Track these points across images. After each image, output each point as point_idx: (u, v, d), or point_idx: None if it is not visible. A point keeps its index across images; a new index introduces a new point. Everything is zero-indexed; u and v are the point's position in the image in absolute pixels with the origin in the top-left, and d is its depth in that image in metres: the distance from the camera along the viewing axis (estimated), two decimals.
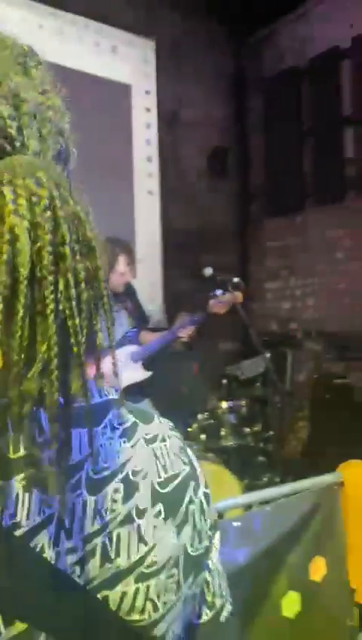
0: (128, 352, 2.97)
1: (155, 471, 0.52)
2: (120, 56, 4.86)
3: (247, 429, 3.57)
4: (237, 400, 3.68)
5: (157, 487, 0.51)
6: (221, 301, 3.08)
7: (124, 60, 4.89)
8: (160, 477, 0.52)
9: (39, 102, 0.43)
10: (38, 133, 0.42)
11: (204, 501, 0.56)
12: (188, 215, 5.42)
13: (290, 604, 1.87)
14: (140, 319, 3.18)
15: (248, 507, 2.19)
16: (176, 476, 0.53)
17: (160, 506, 0.51)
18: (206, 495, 0.57)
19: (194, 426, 3.55)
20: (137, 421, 0.54)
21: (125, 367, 2.95)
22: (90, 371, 0.46)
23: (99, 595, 0.47)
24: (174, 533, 0.51)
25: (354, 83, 4.64)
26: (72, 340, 0.40)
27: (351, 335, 4.85)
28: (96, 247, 0.42)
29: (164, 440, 0.55)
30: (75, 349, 0.40)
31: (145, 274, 4.95)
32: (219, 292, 3.10)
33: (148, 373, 3.01)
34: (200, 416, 3.54)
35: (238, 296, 3.08)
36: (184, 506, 0.53)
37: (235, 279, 3.12)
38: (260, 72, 5.72)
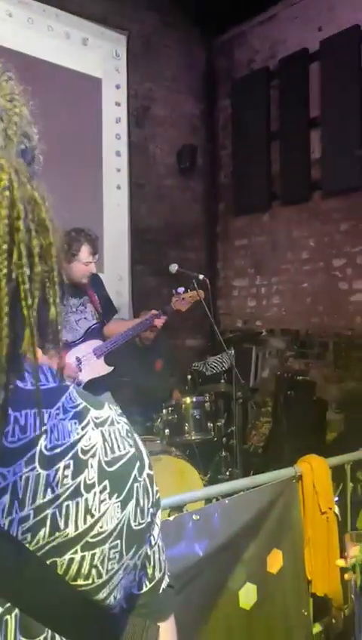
0: (91, 347, 2.97)
1: (103, 451, 0.56)
2: (90, 49, 4.82)
3: (211, 424, 3.61)
4: (202, 395, 3.71)
5: (105, 466, 0.55)
6: (183, 298, 3.11)
7: (95, 53, 4.85)
8: (107, 456, 0.56)
9: (7, 107, 0.47)
10: (4, 132, 0.45)
11: (147, 481, 0.61)
12: (156, 211, 5.43)
13: (247, 596, 1.91)
14: (107, 311, 3.17)
15: (209, 500, 2.23)
16: (122, 457, 0.58)
17: (106, 483, 0.55)
18: (149, 476, 0.61)
19: (158, 420, 3.57)
20: (88, 406, 0.58)
21: (88, 361, 2.94)
22: (46, 358, 0.51)
23: (48, 561, 0.51)
24: (119, 507, 0.55)
25: (321, 85, 4.71)
26: (23, 303, 0.42)
27: (313, 333, 4.95)
28: (49, 227, 0.46)
29: (112, 424, 0.59)
30: (25, 311, 0.43)
31: (113, 268, 4.94)
32: (181, 290, 3.13)
33: (110, 368, 3.02)
34: (164, 411, 3.56)
35: (200, 293, 3.11)
36: (129, 484, 0.57)
37: (200, 276, 3.15)
38: (230, 71, 5.76)
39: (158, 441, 3.46)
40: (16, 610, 0.49)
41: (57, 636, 0.52)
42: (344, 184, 4.59)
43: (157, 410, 3.62)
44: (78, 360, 2.91)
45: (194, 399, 3.64)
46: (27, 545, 0.50)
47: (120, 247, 5.05)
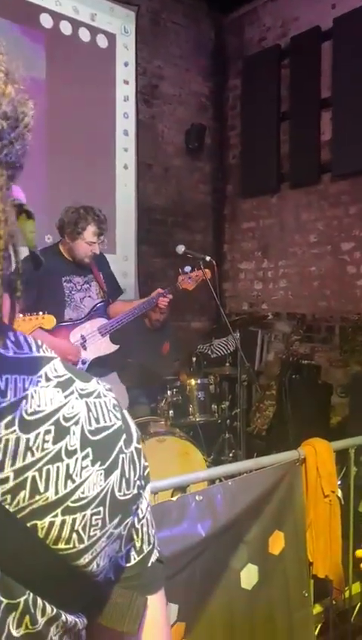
0: (96, 325, 2.96)
1: (87, 420, 0.57)
2: (99, 25, 4.74)
3: (215, 406, 3.62)
4: (206, 378, 3.72)
5: (88, 434, 0.56)
6: (189, 277, 3.10)
7: (103, 30, 4.77)
8: (91, 426, 0.57)
9: None
10: None
11: (135, 454, 0.61)
12: (163, 192, 5.38)
13: (249, 576, 1.92)
14: (113, 290, 3.16)
15: (212, 481, 2.24)
16: (107, 427, 0.58)
17: (89, 450, 0.55)
18: (137, 449, 0.62)
19: (163, 401, 3.58)
20: (73, 377, 0.59)
21: (93, 339, 2.94)
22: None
23: (28, 524, 0.51)
24: (102, 475, 0.56)
25: (333, 65, 4.62)
26: None
27: (320, 317, 4.93)
28: (1, 219, 0.47)
29: (98, 396, 0.60)
30: None
31: (120, 249, 4.92)
32: (187, 268, 3.12)
33: (115, 347, 3.01)
34: (168, 393, 3.57)
35: (206, 272, 3.09)
36: (114, 454, 0.58)
37: (207, 258, 3.13)
38: (241, 49, 5.66)
39: (163, 422, 3.47)
40: None
41: (38, 599, 0.53)
42: (354, 167, 4.52)
43: (162, 392, 3.63)
44: (83, 338, 2.90)
45: (198, 381, 3.65)
46: (7, 506, 0.51)
47: (126, 227, 5.02)
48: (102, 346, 2.96)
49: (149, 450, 3.14)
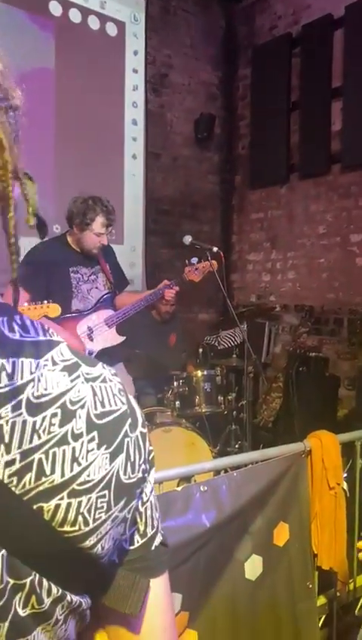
0: (103, 316, 2.96)
1: (92, 404, 0.57)
2: (108, 13, 4.70)
3: (221, 398, 3.61)
4: (213, 369, 3.71)
5: (93, 418, 0.56)
6: (196, 268, 3.08)
7: (113, 18, 4.74)
8: (96, 410, 0.57)
9: None
10: None
11: (140, 438, 0.62)
12: (171, 182, 5.36)
13: (253, 567, 1.93)
14: (119, 281, 3.15)
15: (217, 472, 2.24)
16: (113, 412, 0.58)
17: (94, 434, 0.56)
18: (142, 434, 0.62)
19: (170, 392, 3.58)
20: (79, 362, 0.59)
21: (99, 330, 2.94)
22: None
23: (34, 506, 0.52)
24: (107, 459, 0.56)
25: (345, 54, 4.56)
26: None
27: (328, 310, 4.90)
28: (5, 146, 0.48)
29: (104, 381, 0.60)
30: None
31: (127, 239, 4.90)
32: (194, 260, 3.10)
33: (122, 338, 3.01)
34: (175, 383, 3.57)
35: (214, 264, 3.08)
36: (119, 438, 0.58)
37: (214, 249, 3.11)
38: (251, 38, 5.60)
39: (169, 413, 3.47)
40: (4, 551, 0.51)
41: (44, 580, 0.54)
42: None
43: (168, 383, 3.63)
44: (90, 329, 2.90)
45: (205, 372, 3.64)
46: (13, 488, 0.51)
47: (134, 217, 5.00)
48: (108, 338, 2.96)
49: (155, 440, 3.14)
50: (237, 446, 3.84)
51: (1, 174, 0.48)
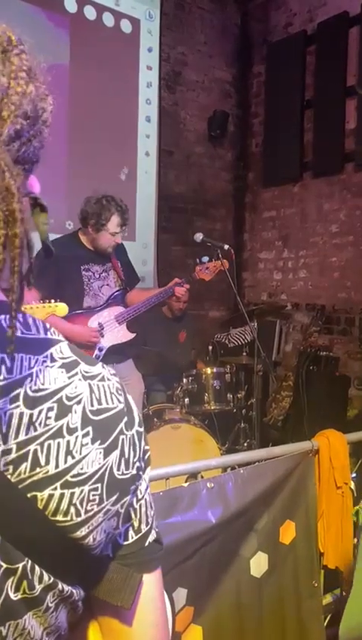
0: (114, 313, 2.98)
1: (89, 401, 0.59)
2: (123, 10, 4.71)
3: (230, 395, 3.62)
4: (223, 367, 3.71)
5: (89, 414, 0.58)
6: (207, 267, 3.09)
7: (128, 15, 4.74)
8: (93, 406, 0.59)
9: (9, 86, 0.49)
10: None
11: (136, 437, 0.63)
12: (184, 179, 5.36)
13: (258, 564, 1.93)
14: (130, 278, 3.16)
15: (225, 470, 2.24)
16: (109, 409, 0.60)
17: (89, 429, 0.58)
18: (138, 432, 0.64)
19: (179, 389, 3.59)
20: (78, 360, 0.61)
21: (110, 327, 2.95)
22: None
23: (29, 495, 0.54)
24: (101, 454, 0.58)
25: (360, 52, 4.53)
26: None
27: (340, 309, 4.88)
28: (18, 218, 0.49)
29: (102, 380, 0.62)
30: None
31: (139, 236, 4.92)
32: (205, 259, 3.11)
33: (132, 335, 3.02)
34: (184, 380, 3.58)
35: (224, 263, 3.08)
36: (114, 435, 0.60)
37: (225, 246, 3.11)
38: (266, 35, 5.58)
39: (178, 410, 3.48)
40: None
41: (36, 566, 0.55)
42: None
43: (178, 380, 3.64)
44: (101, 326, 2.92)
45: (215, 370, 3.65)
46: (9, 476, 0.53)
47: (146, 215, 5.01)
48: (119, 334, 2.98)
49: (164, 436, 3.16)
50: (245, 444, 3.85)
51: (9, 246, 0.49)
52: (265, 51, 5.52)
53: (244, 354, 4.17)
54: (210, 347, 4.48)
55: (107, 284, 2.98)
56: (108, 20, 4.61)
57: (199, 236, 3.19)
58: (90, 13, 4.48)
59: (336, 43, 4.74)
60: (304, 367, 4.23)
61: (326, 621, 2.24)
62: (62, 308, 2.55)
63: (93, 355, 2.89)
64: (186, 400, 3.53)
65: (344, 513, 2.13)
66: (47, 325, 0.63)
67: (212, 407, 3.57)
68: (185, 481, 1.88)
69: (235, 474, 1.88)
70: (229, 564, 1.86)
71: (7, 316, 0.56)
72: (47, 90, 0.54)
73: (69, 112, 4.31)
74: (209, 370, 3.64)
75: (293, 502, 2.04)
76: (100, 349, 2.92)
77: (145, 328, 3.66)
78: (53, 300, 2.55)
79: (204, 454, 3.14)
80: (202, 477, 2.07)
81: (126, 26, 4.73)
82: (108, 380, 0.63)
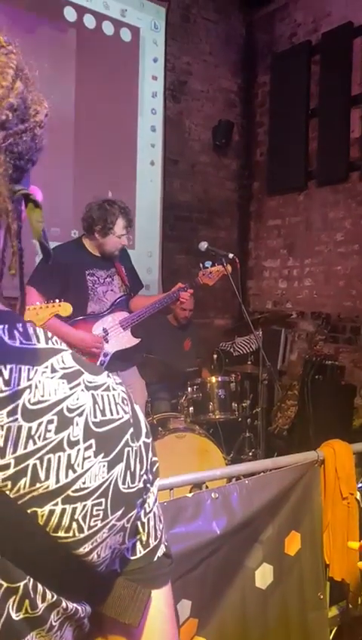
0: (118, 318, 2.98)
1: (92, 412, 0.57)
2: (128, 21, 4.74)
3: (235, 405, 3.60)
4: (227, 375, 3.70)
5: (92, 426, 0.56)
6: (210, 272, 3.09)
7: (133, 25, 4.77)
8: (96, 417, 0.57)
9: None
10: None
11: (143, 448, 0.61)
12: (189, 188, 5.37)
13: (263, 576, 1.91)
14: (134, 284, 3.17)
15: (229, 480, 2.23)
16: (113, 420, 0.59)
17: (92, 442, 0.56)
18: (145, 444, 0.62)
19: (183, 398, 3.58)
20: (82, 369, 0.59)
21: (114, 332, 2.95)
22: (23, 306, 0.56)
23: (28, 511, 0.52)
24: (105, 467, 0.56)
25: None
26: None
27: (345, 318, 4.87)
28: None
29: (107, 390, 0.60)
30: None
31: (143, 245, 4.92)
32: (208, 264, 3.11)
33: (137, 340, 3.02)
34: (189, 389, 3.57)
35: (227, 268, 3.08)
36: (119, 447, 0.58)
37: (230, 255, 3.11)
38: (271, 45, 5.61)
39: (182, 419, 3.47)
40: None
41: (38, 584, 0.54)
42: None
43: (182, 388, 3.63)
44: (105, 331, 2.92)
45: (219, 379, 3.64)
46: (7, 492, 0.52)
47: (151, 223, 5.02)
48: (123, 340, 2.98)
49: (168, 446, 3.15)
50: (251, 454, 3.82)
51: None
52: (270, 61, 5.54)
53: (249, 362, 4.16)
54: (215, 356, 4.47)
55: (111, 290, 2.98)
56: (108, 28, 4.63)
57: (204, 245, 3.20)
58: (89, 22, 4.50)
59: (341, 53, 4.75)
60: (309, 376, 4.21)
61: (332, 634, 2.22)
62: (65, 307, 2.55)
63: (98, 361, 2.89)
64: (191, 409, 3.52)
65: (350, 524, 2.11)
66: (49, 334, 0.61)
67: (217, 417, 3.55)
68: (190, 492, 1.87)
69: (240, 484, 1.87)
70: (234, 576, 1.84)
71: (6, 326, 0.56)
72: (44, 96, 0.55)
73: (74, 122, 4.33)
74: (214, 379, 3.63)
75: (299, 513, 2.02)
76: (105, 355, 2.92)
77: (151, 336, 3.66)
78: (57, 300, 2.55)
79: (209, 464, 3.12)
80: (207, 487, 2.06)
81: (125, 35, 4.75)
82: (114, 389, 0.61)
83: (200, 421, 3.54)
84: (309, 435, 3.96)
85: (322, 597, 2.07)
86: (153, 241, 5.05)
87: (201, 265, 3.13)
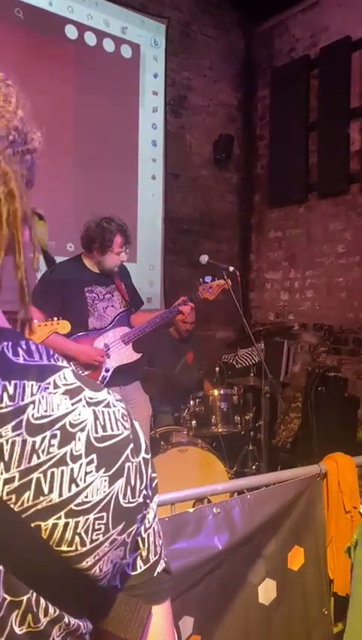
0: (119, 333, 2.98)
1: (93, 427, 0.58)
2: (129, 38, 4.80)
3: (238, 418, 3.59)
4: (230, 388, 3.69)
5: (93, 441, 0.57)
6: (210, 287, 3.10)
7: (133, 42, 4.83)
8: (97, 433, 0.58)
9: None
10: None
11: (142, 464, 0.62)
12: (190, 202, 5.40)
13: (267, 591, 1.90)
14: (134, 301, 3.18)
15: (232, 494, 2.22)
16: (114, 436, 0.59)
17: (93, 456, 0.57)
18: (145, 460, 0.63)
19: (186, 411, 3.57)
20: (83, 386, 0.60)
21: (116, 347, 2.96)
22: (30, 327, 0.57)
23: (32, 524, 0.53)
24: (106, 482, 0.57)
25: None
26: None
27: (347, 329, 4.86)
28: (16, 195, 0.52)
29: (107, 406, 0.61)
30: None
31: (145, 258, 4.94)
32: (208, 278, 3.12)
33: (138, 355, 3.03)
34: (191, 402, 3.56)
35: (228, 282, 3.10)
36: (119, 462, 0.59)
37: (231, 268, 3.12)
38: (270, 60, 5.67)
39: (185, 432, 3.46)
40: (0, 567, 0.52)
41: (41, 599, 0.54)
42: None
43: (185, 402, 3.62)
44: (106, 346, 2.93)
45: (222, 392, 3.63)
46: (12, 505, 0.52)
47: (153, 237, 5.05)
48: (125, 355, 2.98)
49: (171, 459, 3.14)
50: (254, 467, 3.80)
51: (11, 221, 0.51)
52: (270, 75, 5.60)
53: (252, 375, 4.15)
54: (217, 368, 4.47)
55: (112, 306, 2.99)
56: (109, 45, 4.68)
57: (204, 258, 3.21)
58: (90, 39, 4.56)
59: (339, 66, 4.80)
60: (312, 388, 4.20)
61: None
62: (64, 325, 2.56)
63: (100, 377, 2.89)
64: (193, 422, 3.51)
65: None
66: (51, 352, 0.62)
67: (219, 430, 3.54)
68: (193, 506, 1.86)
69: (242, 499, 1.86)
70: (237, 592, 1.83)
71: (10, 343, 0.57)
72: (36, 128, 0.58)
73: (73, 136, 4.37)
74: (216, 392, 3.62)
75: (301, 527, 2.01)
76: (107, 370, 2.92)
77: (153, 350, 3.65)
78: (55, 318, 2.56)
79: (212, 477, 3.10)
80: (209, 501, 2.05)
81: (126, 51, 4.81)
82: (114, 406, 0.62)
83: (203, 434, 3.53)
84: (313, 447, 3.94)
85: (327, 613, 2.05)
86: (155, 254, 5.08)
87: (201, 280, 3.14)
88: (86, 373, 2.86)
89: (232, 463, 3.77)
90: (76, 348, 2.82)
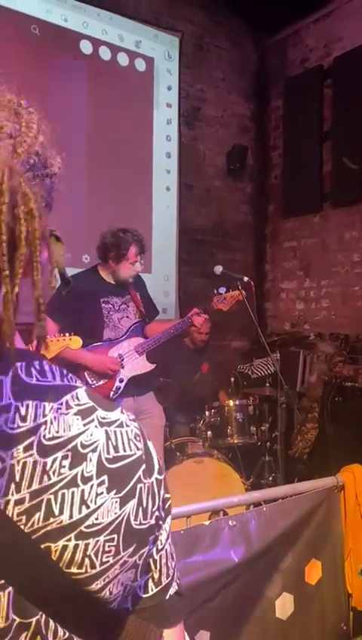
0: (134, 344, 2.99)
1: (105, 448, 0.58)
2: (143, 51, 4.85)
3: (254, 428, 3.56)
4: (246, 399, 3.67)
5: (105, 462, 0.57)
6: (224, 298, 3.10)
7: (147, 55, 4.88)
8: (109, 454, 0.58)
9: (22, 131, 0.55)
10: (13, 147, 0.53)
11: (155, 485, 0.61)
12: (204, 212, 5.42)
13: (284, 606, 1.87)
14: (150, 311, 3.19)
15: (248, 507, 2.20)
16: (126, 457, 0.59)
17: (105, 478, 0.56)
18: (158, 481, 0.62)
19: (201, 422, 3.55)
20: (95, 406, 0.60)
21: (130, 358, 2.96)
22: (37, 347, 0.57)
23: (42, 545, 0.53)
24: (117, 503, 0.57)
25: None
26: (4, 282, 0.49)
27: None
28: (36, 215, 0.52)
29: (120, 426, 0.61)
30: (6, 288, 0.49)
31: (160, 269, 4.96)
32: (222, 289, 3.13)
33: (152, 366, 3.03)
34: (207, 413, 3.55)
35: (242, 293, 3.10)
36: (131, 483, 0.58)
37: (245, 278, 3.12)
38: (283, 70, 5.68)
39: (200, 443, 3.44)
40: (10, 588, 0.52)
41: (51, 621, 0.54)
42: None
43: (200, 412, 3.61)
44: (120, 357, 2.93)
45: (237, 402, 3.61)
46: (22, 526, 0.52)
47: (167, 247, 5.06)
48: (139, 365, 2.99)
49: (186, 471, 3.12)
50: (271, 478, 3.77)
51: (30, 240, 0.52)
52: (283, 86, 5.61)
53: (268, 385, 4.13)
54: (233, 379, 4.45)
55: (126, 316, 3.00)
56: (123, 59, 4.74)
57: (219, 269, 3.22)
58: (105, 53, 4.61)
59: (353, 76, 4.79)
60: (329, 398, 4.16)
61: None
62: (75, 341, 2.57)
63: (114, 387, 2.90)
64: (209, 433, 3.49)
65: None
66: (65, 371, 0.62)
67: (235, 441, 3.52)
68: (209, 518, 1.85)
69: (258, 511, 1.85)
70: (253, 606, 1.81)
71: (23, 363, 0.58)
72: (57, 153, 0.59)
73: (87, 149, 4.42)
74: (231, 403, 3.60)
75: (319, 540, 1.99)
76: (121, 381, 2.93)
77: (168, 360, 3.65)
78: (67, 334, 2.57)
79: (228, 489, 3.08)
80: (225, 513, 2.03)
81: (140, 65, 4.85)
82: (127, 425, 0.61)
83: (219, 445, 3.51)
84: (329, 458, 3.90)
85: (345, 627, 2.02)
86: (170, 265, 5.09)
87: (215, 291, 3.14)
88: (100, 382, 2.87)
89: (248, 474, 3.74)
90: (90, 357, 2.83)
